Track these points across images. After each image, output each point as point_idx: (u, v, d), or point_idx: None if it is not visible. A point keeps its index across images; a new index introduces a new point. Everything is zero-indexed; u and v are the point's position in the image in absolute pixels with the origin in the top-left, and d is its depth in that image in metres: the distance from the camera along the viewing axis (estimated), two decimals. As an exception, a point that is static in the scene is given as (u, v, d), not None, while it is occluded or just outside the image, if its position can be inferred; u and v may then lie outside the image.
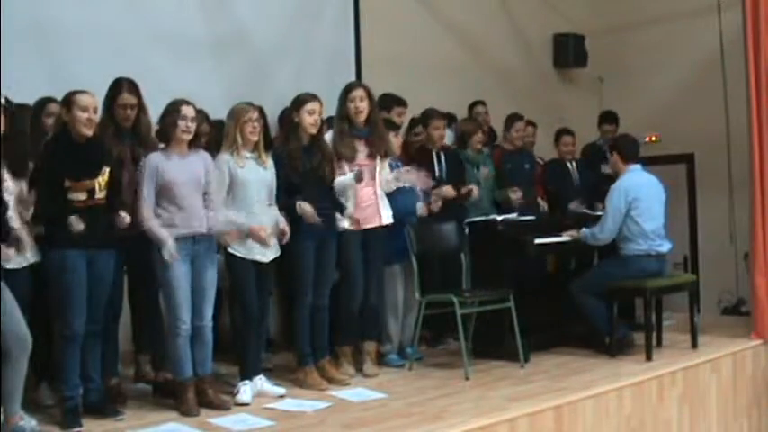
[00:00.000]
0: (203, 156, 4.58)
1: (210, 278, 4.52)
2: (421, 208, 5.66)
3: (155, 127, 4.62)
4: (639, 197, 5.71)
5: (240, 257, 4.67)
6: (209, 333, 4.55)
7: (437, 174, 5.99)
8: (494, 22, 8.68)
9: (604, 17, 9.27)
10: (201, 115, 4.74)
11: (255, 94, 5.41)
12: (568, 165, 7.24)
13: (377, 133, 5.23)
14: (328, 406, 4.54)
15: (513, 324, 5.31)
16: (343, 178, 5.11)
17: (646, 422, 5.03)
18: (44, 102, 4.72)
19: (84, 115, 4.16)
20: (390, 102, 6.19)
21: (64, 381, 4.18)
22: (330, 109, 5.28)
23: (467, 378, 5.11)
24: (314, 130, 4.96)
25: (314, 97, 4.97)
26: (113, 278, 4.38)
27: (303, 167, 4.90)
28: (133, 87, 4.68)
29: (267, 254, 4.75)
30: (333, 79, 6.33)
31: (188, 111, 4.45)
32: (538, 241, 5.72)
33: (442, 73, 7.81)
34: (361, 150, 5.19)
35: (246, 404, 4.56)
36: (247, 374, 4.71)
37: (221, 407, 4.47)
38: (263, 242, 4.64)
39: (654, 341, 5.75)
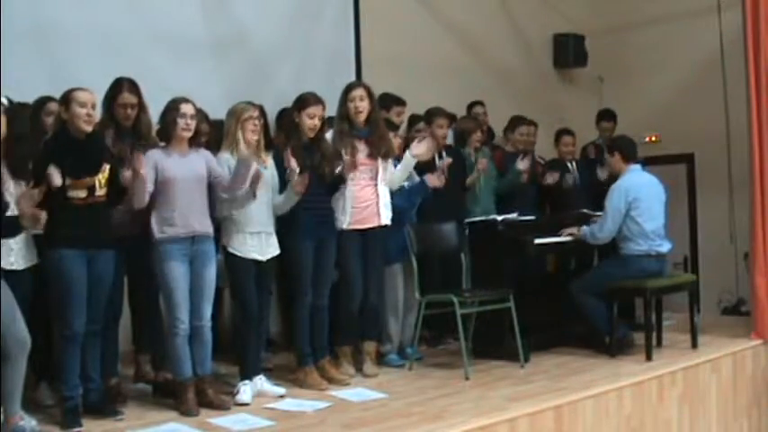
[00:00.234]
0: (204, 153, 4.58)
1: (209, 278, 4.52)
2: (430, 178, 5.63)
3: (155, 126, 4.62)
4: (639, 197, 5.71)
5: (239, 257, 4.67)
6: (209, 333, 4.55)
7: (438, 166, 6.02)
8: (494, 22, 8.68)
9: (604, 17, 9.28)
10: (201, 114, 4.74)
11: (255, 93, 5.41)
12: (568, 165, 7.24)
13: (377, 133, 5.23)
14: (328, 406, 4.53)
15: (513, 324, 5.31)
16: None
17: (646, 422, 5.03)
18: (43, 101, 4.72)
19: (83, 111, 4.17)
20: (389, 101, 6.20)
21: (64, 381, 4.18)
22: (330, 109, 5.28)
23: (467, 378, 5.11)
24: (312, 134, 4.97)
25: (317, 100, 4.98)
26: (113, 278, 4.38)
27: (303, 166, 4.90)
28: (133, 87, 4.69)
29: (265, 253, 4.75)
30: (333, 79, 6.33)
31: (187, 108, 4.45)
32: (538, 241, 5.73)
33: (442, 73, 7.81)
34: (362, 150, 5.18)
35: (246, 404, 4.56)
36: (247, 374, 4.71)
37: (221, 407, 4.46)
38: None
39: (654, 341, 5.75)
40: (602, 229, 5.76)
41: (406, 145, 5.96)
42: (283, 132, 5.28)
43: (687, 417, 5.36)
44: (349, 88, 5.26)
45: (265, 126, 5.05)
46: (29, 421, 3.98)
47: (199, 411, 4.38)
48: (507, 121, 7.20)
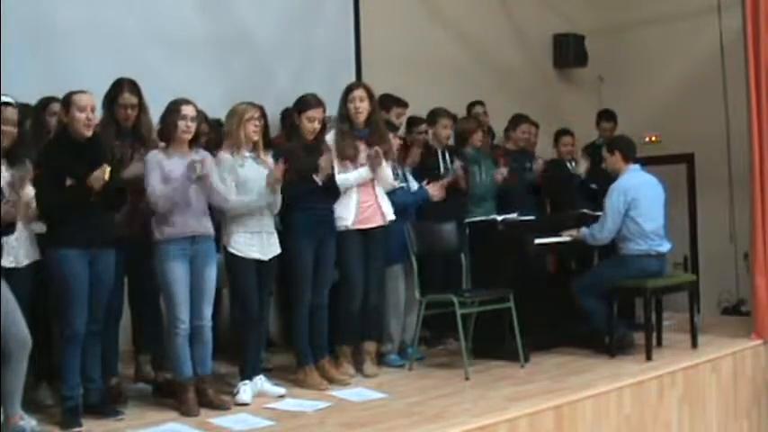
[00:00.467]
0: (204, 155, 4.58)
1: (210, 278, 4.52)
2: (432, 189, 5.68)
3: (156, 127, 4.62)
4: (639, 197, 5.71)
5: (240, 256, 4.67)
6: (209, 333, 4.55)
7: (442, 171, 6.03)
8: (494, 22, 8.68)
9: (604, 17, 9.28)
10: (201, 115, 4.74)
11: (256, 93, 5.41)
12: (568, 165, 7.24)
13: (377, 134, 5.23)
14: (328, 406, 4.53)
15: (513, 324, 5.31)
16: (356, 173, 5.11)
17: (646, 422, 5.03)
18: (47, 101, 4.72)
19: (83, 115, 4.17)
20: (390, 102, 6.20)
21: (64, 381, 4.18)
22: (331, 109, 5.28)
23: (467, 378, 5.11)
24: (311, 137, 4.98)
25: (318, 103, 4.98)
26: (114, 278, 4.38)
27: (302, 167, 4.89)
28: (134, 87, 4.69)
29: (266, 252, 4.75)
30: (333, 79, 6.34)
31: (188, 110, 4.46)
32: (538, 241, 5.73)
33: (442, 73, 7.81)
34: (362, 150, 5.18)
35: (246, 404, 4.56)
36: (247, 374, 4.71)
37: (221, 407, 4.47)
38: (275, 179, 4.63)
39: (654, 341, 5.75)
40: (602, 230, 5.75)
41: (405, 146, 5.98)
42: (284, 133, 5.28)
43: (687, 417, 5.35)
44: (349, 89, 5.26)
45: (265, 126, 5.05)
46: (29, 421, 3.98)
47: (199, 411, 4.38)
48: (508, 121, 7.20)
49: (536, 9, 9.10)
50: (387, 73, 7.01)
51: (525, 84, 8.80)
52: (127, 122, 4.69)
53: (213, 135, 5.20)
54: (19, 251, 4.17)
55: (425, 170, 6.01)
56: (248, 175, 4.68)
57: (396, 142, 5.63)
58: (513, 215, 5.96)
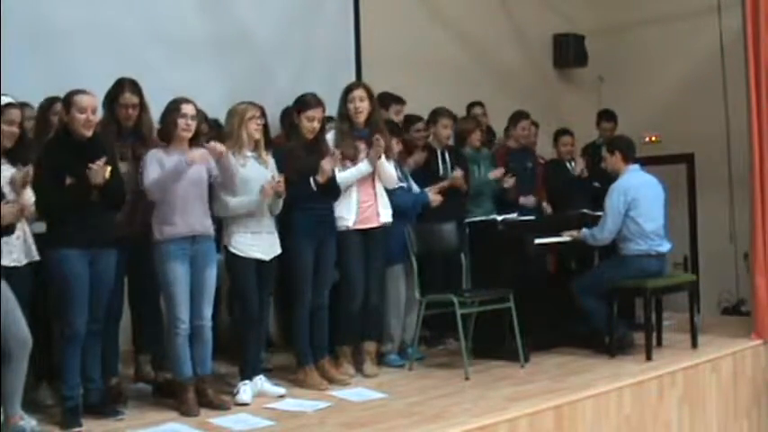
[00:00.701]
0: (202, 150, 4.57)
1: (210, 278, 4.52)
2: (432, 195, 5.69)
3: (156, 126, 4.62)
4: (639, 197, 5.71)
5: (241, 256, 4.67)
6: (209, 333, 4.55)
7: (441, 172, 6.03)
8: (494, 22, 8.68)
9: (604, 17, 9.28)
10: (201, 115, 4.74)
11: (256, 93, 5.41)
12: (567, 165, 7.24)
13: (378, 133, 5.22)
14: (328, 406, 4.53)
15: (513, 324, 5.31)
16: (355, 169, 5.11)
17: (646, 422, 5.03)
18: (51, 101, 4.72)
19: (83, 116, 4.17)
20: (388, 100, 6.20)
21: (64, 381, 4.18)
22: (330, 109, 5.28)
23: (467, 378, 5.11)
24: (311, 136, 4.98)
25: (318, 103, 4.97)
26: (114, 278, 4.38)
27: (302, 166, 4.90)
28: (135, 87, 4.70)
29: (268, 252, 4.75)
30: (333, 79, 6.34)
31: (188, 109, 4.46)
32: (538, 241, 5.73)
33: (442, 73, 7.81)
34: (362, 150, 5.18)
35: (246, 404, 4.56)
36: (247, 374, 4.71)
37: (221, 407, 4.46)
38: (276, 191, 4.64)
39: (654, 341, 5.75)
40: (602, 231, 5.75)
41: (405, 147, 5.97)
42: (284, 132, 5.28)
43: (687, 417, 5.35)
44: (349, 89, 5.26)
45: (265, 126, 5.05)
46: (29, 421, 3.98)
47: (199, 411, 4.38)
48: (508, 119, 7.19)
49: (536, 9, 9.10)
50: (387, 73, 7.02)
51: (525, 84, 8.79)
52: (128, 122, 4.69)
53: (213, 134, 5.20)
54: (19, 251, 4.17)
55: (424, 170, 6.00)
56: (250, 175, 4.68)
57: (396, 147, 5.62)
58: (513, 215, 5.96)
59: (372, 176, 5.22)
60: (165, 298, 4.47)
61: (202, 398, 4.47)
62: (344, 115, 5.22)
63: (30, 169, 3.99)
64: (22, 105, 4.40)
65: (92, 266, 4.19)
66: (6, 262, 4.00)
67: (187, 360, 4.45)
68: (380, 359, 5.50)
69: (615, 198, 5.72)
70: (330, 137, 5.17)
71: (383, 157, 5.20)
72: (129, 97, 4.66)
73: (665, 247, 5.81)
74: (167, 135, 4.48)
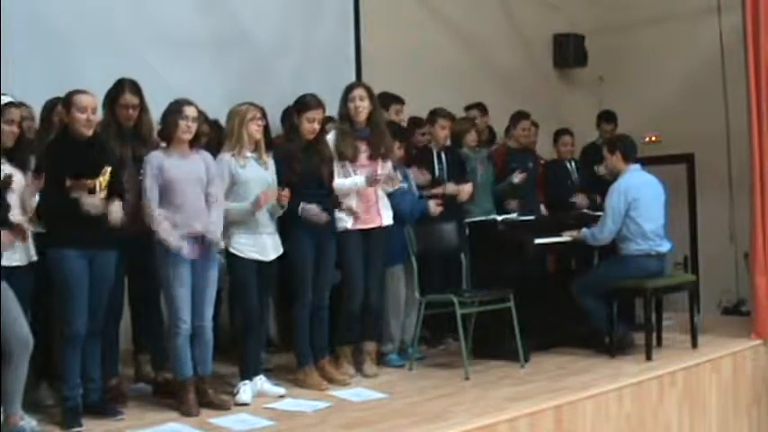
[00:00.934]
0: (204, 155, 4.58)
1: (211, 278, 4.52)
2: (432, 207, 5.68)
3: (157, 127, 4.62)
4: (639, 197, 5.71)
5: (241, 257, 4.68)
6: (210, 333, 4.55)
7: (438, 173, 6.02)
8: (494, 22, 8.69)
9: (604, 17, 9.28)
10: (201, 116, 4.74)
11: (256, 93, 5.41)
12: (567, 165, 7.24)
13: (378, 134, 5.23)
14: (328, 406, 4.53)
15: (513, 324, 5.31)
16: (351, 180, 5.11)
17: (646, 422, 5.04)
18: (54, 102, 4.71)
19: (83, 116, 4.17)
20: (388, 100, 6.19)
21: (64, 381, 4.18)
22: (329, 109, 5.28)
23: (467, 378, 5.11)
24: (311, 137, 4.98)
25: (318, 104, 4.97)
26: (114, 278, 4.38)
27: (302, 168, 4.90)
28: (135, 88, 4.70)
29: (268, 253, 4.75)
30: (333, 79, 6.34)
31: (190, 111, 4.46)
32: (538, 241, 5.73)
33: (442, 72, 7.81)
34: (363, 151, 5.18)
35: (246, 404, 4.56)
36: (247, 374, 4.71)
37: (221, 407, 4.46)
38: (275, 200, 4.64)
39: (654, 341, 5.75)
40: (602, 230, 5.75)
41: (406, 149, 5.97)
42: (284, 134, 5.28)
43: (687, 417, 5.36)
44: (349, 88, 5.26)
45: (265, 127, 5.05)
46: (29, 421, 3.98)
47: (199, 411, 4.38)
48: (509, 119, 7.19)
49: (536, 9, 9.10)
50: (387, 73, 7.02)
51: (525, 84, 8.80)
52: (128, 122, 4.69)
53: (213, 135, 5.20)
54: (20, 251, 4.17)
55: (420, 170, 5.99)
56: (249, 177, 4.68)
57: (399, 152, 5.61)
58: (513, 215, 5.96)
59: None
60: (166, 298, 4.47)
61: (202, 398, 4.47)
62: (345, 115, 5.22)
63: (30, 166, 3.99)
64: (20, 105, 4.40)
65: (91, 266, 4.19)
66: (8, 262, 4.01)
67: (188, 360, 4.45)
68: (380, 359, 5.50)
69: (615, 198, 5.72)
70: (331, 137, 5.17)
71: (387, 159, 5.23)
72: (129, 98, 4.66)
73: (666, 247, 5.81)
74: (167, 135, 4.48)
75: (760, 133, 6.23)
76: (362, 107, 5.18)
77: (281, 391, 4.77)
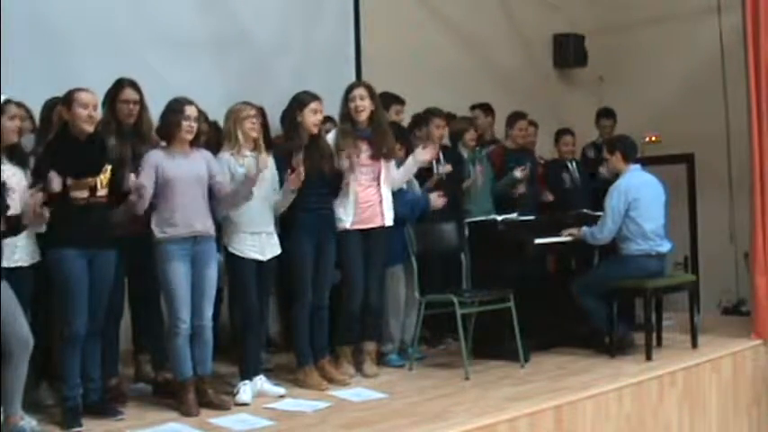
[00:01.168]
0: (204, 154, 4.59)
1: (211, 278, 4.52)
2: (434, 198, 5.68)
3: (156, 125, 4.62)
4: (639, 197, 5.71)
5: (240, 257, 4.67)
6: (210, 333, 4.55)
7: (435, 172, 6.01)
8: (494, 22, 8.69)
9: (604, 17, 9.28)
10: (201, 115, 4.74)
11: (256, 93, 5.41)
12: (568, 165, 7.24)
13: (380, 133, 5.22)
14: (328, 406, 4.53)
15: (513, 324, 5.31)
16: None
17: (646, 422, 5.04)
18: (54, 101, 4.71)
19: (85, 112, 4.18)
20: (388, 100, 6.18)
21: (64, 380, 4.18)
22: (329, 108, 5.28)
23: (467, 378, 5.11)
24: (316, 130, 4.98)
25: (315, 96, 4.98)
26: (114, 278, 4.38)
27: (304, 165, 4.89)
28: (135, 86, 4.73)
29: (266, 252, 4.75)
30: (333, 79, 6.34)
31: (191, 111, 4.47)
32: (538, 241, 5.73)
33: (442, 72, 7.81)
34: (364, 151, 5.18)
35: (246, 404, 4.56)
36: (247, 374, 4.71)
37: (221, 407, 4.47)
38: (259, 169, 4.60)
39: (654, 341, 5.75)
40: (602, 230, 5.76)
41: (407, 149, 5.96)
42: (283, 133, 5.28)
43: (687, 417, 5.36)
44: (350, 88, 5.27)
45: (265, 126, 5.05)
46: (29, 421, 3.98)
47: (199, 411, 4.38)
48: (505, 120, 7.19)
49: (536, 9, 9.10)
50: (387, 73, 7.00)
51: (525, 84, 8.80)
52: (129, 119, 4.70)
53: (212, 135, 5.20)
54: (21, 251, 4.18)
55: (420, 170, 5.98)
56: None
57: (400, 153, 5.62)
58: (513, 215, 5.96)
59: (378, 178, 5.23)
60: (166, 298, 4.47)
61: (202, 398, 4.47)
62: (346, 115, 5.22)
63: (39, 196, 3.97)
64: (18, 105, 4.40)
65: (91, 266, 4.19)
66: (9, 263, 4.01)
67: (187, 360, 4.45)
68: (380, 359, 5.50)
69: (615, 198, 5.72)
70: (331, 137, 5.17)
71: (389, 159, 5.25)
72: (129, 93, 4.68)
73: (666, 247, 5.81)
74: (167, 134, 4.48)
75: (760, 133, 6.23)
76: (363, 107, 5.17)
77: (281, 391, 4.77)
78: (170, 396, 4.55)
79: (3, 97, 4.11)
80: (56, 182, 4.00)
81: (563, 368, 5.37)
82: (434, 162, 6.05)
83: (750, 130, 6.27)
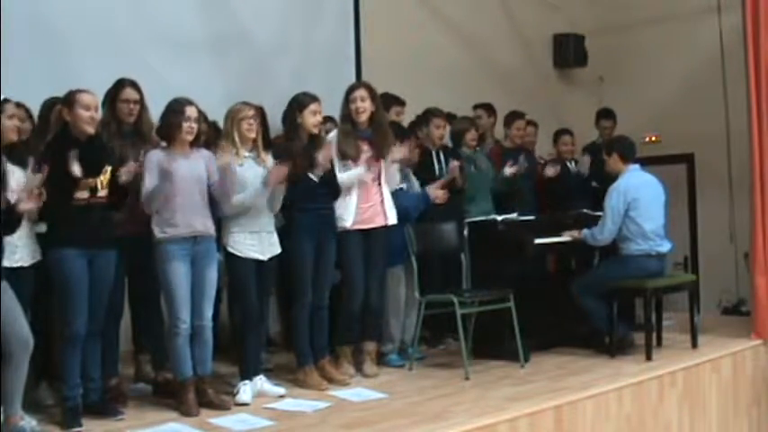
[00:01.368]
0: (204, 154, 4.59)
1: (210, 278, 4.52)
2: (433, 191, 5.67)
3: (156, 126, 4.62)
4: (639, 197, 5.71)
5: (240, 256, 4.67)
6: (209, 333, 4.55)
7: (437, 172, 6.01)
8: (494, 22, 8.69)
9: (604, 17, 9.29)
10: (201, 115, 4.74)
11: (255, 93, 5.41)
12: (568, 165, 7.24)
13: (381, 134, 5.22)
14: (328, 406, 4.53)
15: (513, 324, 5.31)
16: (351, 172, 5.10)
17: (646, 422, 5.04)
18: (53, 101, 4.72)
19: (87, 113, 4.18)
20: (389, 101, 6.19)
21: (64, 380, 4.18)
22: (329, 109, 5.28)
23: (467, 378, 5.11)
24: (317, 130, 4.98)
25: (314, 98, 4.99)
26: (114, 278, 4.38)
27: (303, 167, 4.90)
28: (135, 86, 4.73)
29: (266, 252, 4.75)
30: (333, 79, 6.35)
31: (192, 112, 4.47)
32: (538, 241, 5.73)
33: (442, 73, 7.82)
34: (365, 151, 5.18)
35: (246, 404, 4.56)
36: (247, 374, 4.71)
37: (221, 407, 4.46)
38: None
39: (654, 341, 5.75)
40: (602, 231, 5.75)
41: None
42: (284, 134, 5.28)
43: (687, 417, 5.36)
44: (351, 89, 5.26)
45: (265, 126, 5.05)
46: (29, 421, 3.98)
47: (199, 411, 4.38)
48: (503, 119, 7.19)
49: (536, 9, 9.10)
50: (387, 73, 7.01)
51: (525, 84, 8.80)
52: (129, 119, 4.71)
53: (212, 134, 5.20)
54: (22, 251, 4.18)
55: (420, 170, 5.99)
56: (246, 176, 4.67)
57: (401, 152, 5.61)
58: (513, 215, 5.96)
59: (378, 178, 5.23)
60: (166, 298, 4.47)
61: (202, 398, 4.47)
62: (347, 116, 5.22)
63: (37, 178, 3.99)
64: (18, 106, 4.40)
65: (91, 266, 4.20)
66: (9, 262, 4.01)
67: (187, 360, 4.45)
68: (380, 359, 5.50)
69: (615, 199, 5.72)
70: (332, 137, 5.17)
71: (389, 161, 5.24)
72: (130, 92, 4.70)
73: (666, 247, 5.81)
74: (167, 134, 4.48)
75: (760, 133, 6.23)
76: (363, 107, 5.17)
77: (281, 391, 4.77)
78: (170, 396, 4.55)
79: (2, 97, 4.11)
80: (77, 168, 4.02)
81: (563, 368, 5.37)
82: (436, 163, 6.05)
83: (750, 129, 6.26)
